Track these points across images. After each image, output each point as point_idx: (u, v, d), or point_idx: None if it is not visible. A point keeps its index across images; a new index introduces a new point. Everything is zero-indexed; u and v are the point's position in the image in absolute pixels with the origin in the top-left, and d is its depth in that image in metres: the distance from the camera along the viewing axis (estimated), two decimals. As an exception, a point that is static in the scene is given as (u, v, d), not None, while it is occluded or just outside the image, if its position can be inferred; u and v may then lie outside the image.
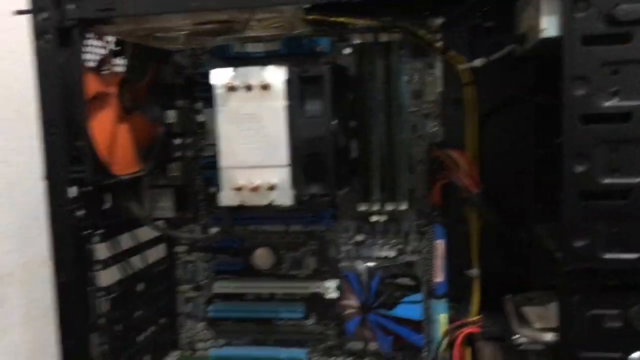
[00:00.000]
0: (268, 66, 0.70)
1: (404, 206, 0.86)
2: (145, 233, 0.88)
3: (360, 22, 0.83)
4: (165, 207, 0.90)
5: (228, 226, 0.82)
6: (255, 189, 0.71)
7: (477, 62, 0.80)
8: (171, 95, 0.91)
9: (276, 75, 0.69)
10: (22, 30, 0.71)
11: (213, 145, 0.88)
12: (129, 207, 0.80)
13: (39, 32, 0.67)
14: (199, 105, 0.92)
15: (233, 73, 0.71)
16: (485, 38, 0.83)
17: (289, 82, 0.69)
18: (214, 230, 0.93)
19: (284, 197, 0.70)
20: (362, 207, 0.87)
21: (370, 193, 0.86)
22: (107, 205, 0.79)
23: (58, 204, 0.70)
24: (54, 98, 0.68)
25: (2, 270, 0.89)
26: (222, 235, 0.87)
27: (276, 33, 0.82)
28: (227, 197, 0.72)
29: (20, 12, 0.69)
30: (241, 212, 0.75)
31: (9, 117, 0.91)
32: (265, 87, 0.69)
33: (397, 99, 0.85)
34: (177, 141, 0.91)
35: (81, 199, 0.72)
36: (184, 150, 0.92)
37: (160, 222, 0.91)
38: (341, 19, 0.82)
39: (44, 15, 0.66)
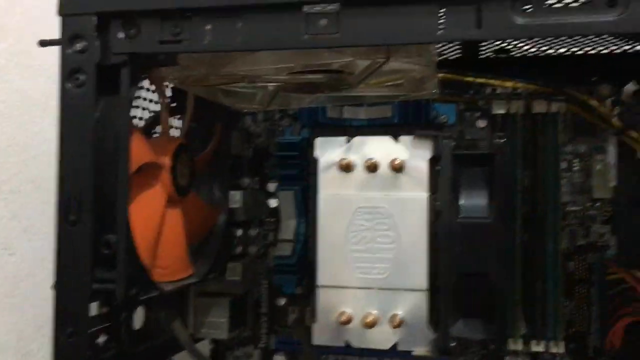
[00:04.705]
0: (404, 136, 0.46)
1: (557, 347, 0.60)
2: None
3: (508, 85, 0.60)
4: (218, 323, 0.65)
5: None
6: (370, 325, 0.45)
7: (668, 149, 0.57)
8: (236, 170, 0.68)
9: (416, 151, 0.46)
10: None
11: (286, 241, 0.65)
12: (167, 326, 0.55)
13: (70, 70, 0.45)
14: (272, 185, 0.69)
15: (348, 143, 0.47)
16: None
17: (437, 161, 0.46)
18: (278, 358, 0.68)
19: (416, 341, 0.45)
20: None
21: (509, 325, 0.60)
22: (138, 324, 0.54)
23: (69, 328, 0.45)
24: (81, 167, 0.45)
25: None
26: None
27: (390, 94, 0.59)
28: (324, 333, 0.47)
29: (47, 43, 0.48)
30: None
31: (23, 189, 0.68)
32: (398, 167, 0.46)
33: (551, 193, 0.61)
34: (240, 232, 0.67)
35: (105, 320, 0.48)
36: (246, 245, 0.68)
37: (204, 345, 0.66)
38: (481, 80, 0.60)
39: (79, 46, 0.45)
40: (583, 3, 0.38)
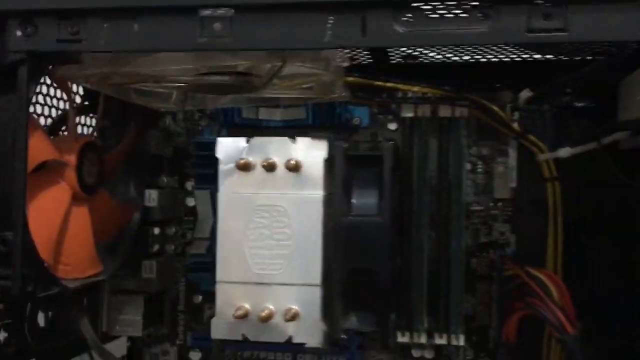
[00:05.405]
0: (300, 137, 0.48)
1: (458, 340, 0.63)
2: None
3: (415, 89, 0.63)
4: (132, 321, 0.66)
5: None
6: (266, 319, 0.47)
7: (564, 152, 0.61)
8: (154, 169, 0.68)
9: (312, 151, 0.48)
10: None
11: (204, 239, 0.67)
12: (75, 324, 0.56)
13: (-35, 68, 0.45)
14: (190, 184, 0.70)
15: (248, 144, 0.49)
16: (575, 121, 0.64)
17: (332, 161, 0.48)
18: (194, 355, 0.69)
19: (309, 334, 0.47)
20: (401, 338, 0.63)
21: (413, 319, 0.63)
22: (43, 321, 0.54)
23: (-36, 324, 0.45)
24: (-24, 165, 0.45)
25: None
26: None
27: (302, 97, 0.61)
28: (222, 327, 0.48)
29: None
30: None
31: None
32: (294, 167, 0.48)
33: (455, 193, 0.64)
34: (156, 231, 0.67)
35: (4, 316, 0.48)
36: (163, 243, 0.69)
37: (121, 342, 0.67)
38: (390, 84, 0.63)
39: (-25, 44, 0.45)
40: (459, 15, 0.40)
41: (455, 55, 0.62)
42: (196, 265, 0.67)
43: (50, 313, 0.53)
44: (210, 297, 0.68)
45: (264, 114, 0.66)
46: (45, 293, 0.49)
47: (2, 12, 0.45)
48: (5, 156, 0.45)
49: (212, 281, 0.64)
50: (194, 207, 0.69)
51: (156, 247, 0.67)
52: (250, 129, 0.66)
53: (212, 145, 0.65)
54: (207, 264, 0.65)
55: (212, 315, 0.66)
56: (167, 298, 0.70)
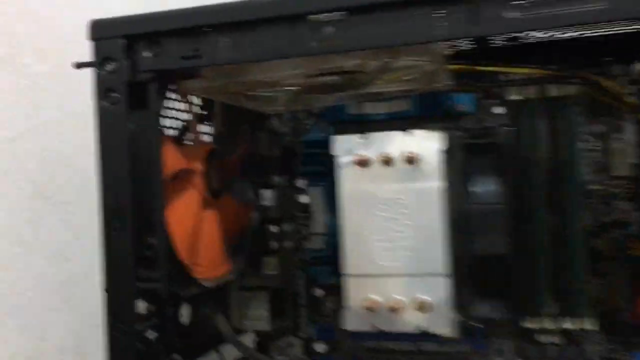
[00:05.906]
0: (415, 130, 0.49)
1: (588, 324, 0.61)
2: (233, 351, 0.66)
3: (521, 72, 0.61)
4: (259, 315, 0.69)
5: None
6: (395, 309, 0.48)
7: (687, 124, 0.57)
8: (266, 170, 0.71)
9: (427, 143, 0.49)
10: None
11: (319, 234, 0.69)
12: (213, 321, 0.60)
13: (104, 89, 0.49)
14: (301, 182, 0.72)
15: (363, 140, 0.50)
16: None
17: (448, 152, 0.48)
18: (318, 347, 0.71)
19: (440, 323, 0.48)
20: (527, 323, 0.62)
21: (538, 303, 0.62)
22: (185, 319, 0.58)
23: (119, 324, 0.50)
24: (119, 177, 0.49)
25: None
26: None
27: (408, 88, 0.62)
28: (353, 319, 0.50)
29: (82, 65, 0.52)
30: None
31: (73, 199, 0.74)
32: (411, 160, 0.49)
33: (571, 173, 0.62)
34: (274, 229, 0.70)
35: (153, 317, 0.52)
36: (281, 240, 0.72)
37: (248, 336, 0.70)
38: (494, 68, 0.62)
39: (111, 67, 0.49)
40: (573, -7, 0.39)
41: (563, 33, 0.60)
42: (315, 259, 0.69)
43: (190, 311, 0.58)
44: (330, 290, 0.71)
45: (368, 108, 0.67)
46: (189, 292, 0.53)
47: (131, 35, 0.49)
48: (143, 168, 0.49)
49: (331, 274, 0.67)
50: (305, 204, 0.72)
51: (275, 244, 0.70)
52: (356, 123, 0.67)
53: (321, 143, 0.67)
54: (325, 258, 0.67)
55: (334, 308, 0.69)
56: (289, 292, 0.72)
